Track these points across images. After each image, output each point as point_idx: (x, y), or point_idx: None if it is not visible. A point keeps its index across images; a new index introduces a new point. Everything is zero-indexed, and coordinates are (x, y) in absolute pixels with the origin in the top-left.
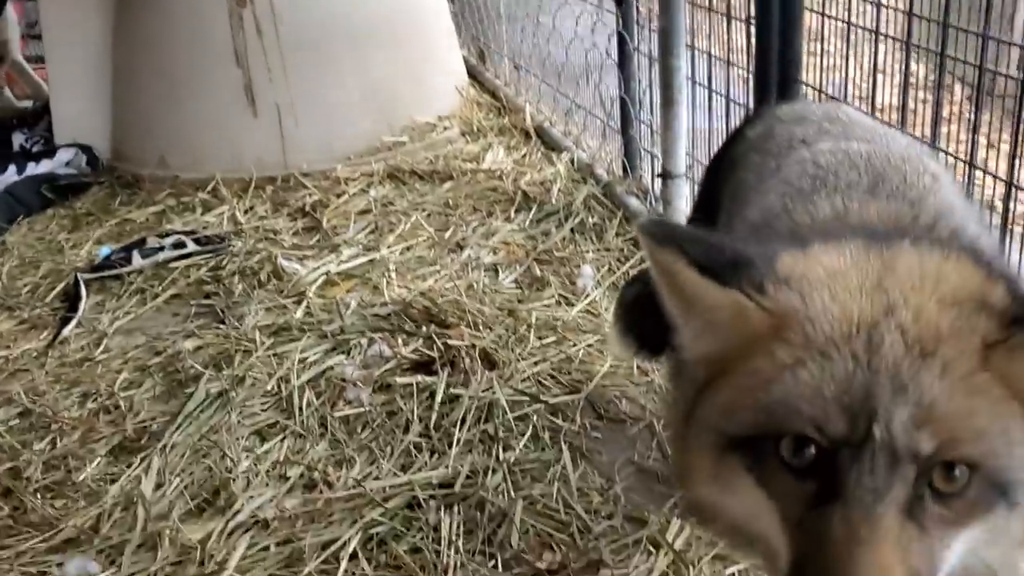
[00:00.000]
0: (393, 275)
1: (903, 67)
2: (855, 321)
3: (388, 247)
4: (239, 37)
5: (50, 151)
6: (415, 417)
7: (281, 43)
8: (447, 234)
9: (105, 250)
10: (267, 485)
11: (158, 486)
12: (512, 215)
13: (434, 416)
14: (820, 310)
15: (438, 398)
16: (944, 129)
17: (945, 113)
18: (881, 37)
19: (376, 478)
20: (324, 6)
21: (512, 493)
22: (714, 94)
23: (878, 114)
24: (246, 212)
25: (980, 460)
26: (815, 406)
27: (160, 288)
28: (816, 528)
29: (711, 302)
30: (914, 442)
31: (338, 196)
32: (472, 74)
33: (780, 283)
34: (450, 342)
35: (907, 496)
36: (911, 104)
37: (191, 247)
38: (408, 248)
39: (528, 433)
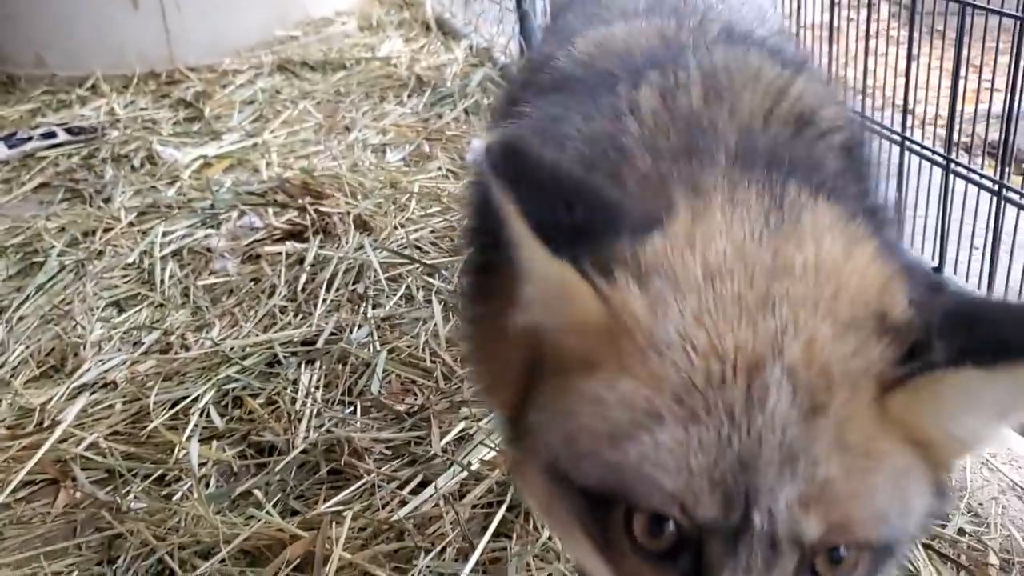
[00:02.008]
0: (274, 156)
1: None
2: (732, 355)
3: (272, 132)
4: None
5: None
6: (282, 282)
7: None
8: (336, 119)
9: None
10: (119, 350)
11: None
12: (405, 100)
13: (302, 279)
14: (676, 329)
15: (308, 261)
16: (872, 43)
17: (872, 30)
18: None
19: (236, 339)
20: None
21: (377, 346)
22: None
23: (804, 31)
24: (126, 106)
25: (875, 542)
26: (680, 480)
27: (27, 177)
28: None
29: (538, 269)
30: (800, 528)
31: (224, 87)
32: None
33: (638, 271)
34: (323, 209)
35: None
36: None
37: (62, 137)
38: (293, 133)
39: (401, 292)
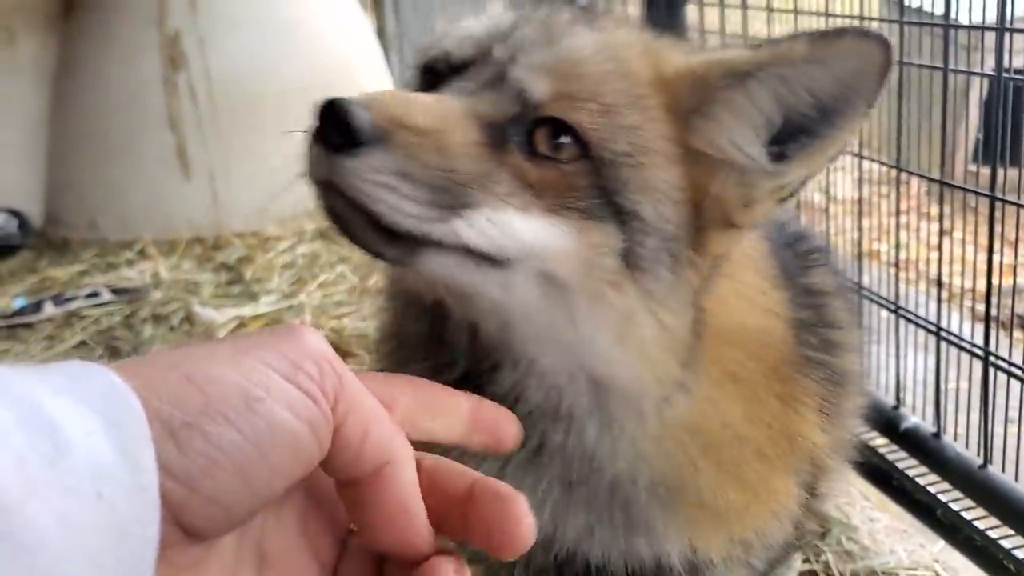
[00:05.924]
0: (307, 316)
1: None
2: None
3: (308, 294)
4: (173, 102)
5: None
6: None
7: (216, 107)
8: (371, 281)
9: (19, 301)
10: None
11: None
12: None
13: None
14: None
15: None
16: (903, 219)
17: (904, 206)
18: None
19: None
20: (259, 72)
21: None
22: None
23: (836, 206)
24: (171, 269)
25: (590, 134)
26: (455, 41)
27: (69, 334)
28: None
29: None
30: (530, 81)
31: (266, 252)
32: None
33: None
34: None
35: (492, 121)
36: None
37: (105, 296)
38: (328, 295)
39: None
